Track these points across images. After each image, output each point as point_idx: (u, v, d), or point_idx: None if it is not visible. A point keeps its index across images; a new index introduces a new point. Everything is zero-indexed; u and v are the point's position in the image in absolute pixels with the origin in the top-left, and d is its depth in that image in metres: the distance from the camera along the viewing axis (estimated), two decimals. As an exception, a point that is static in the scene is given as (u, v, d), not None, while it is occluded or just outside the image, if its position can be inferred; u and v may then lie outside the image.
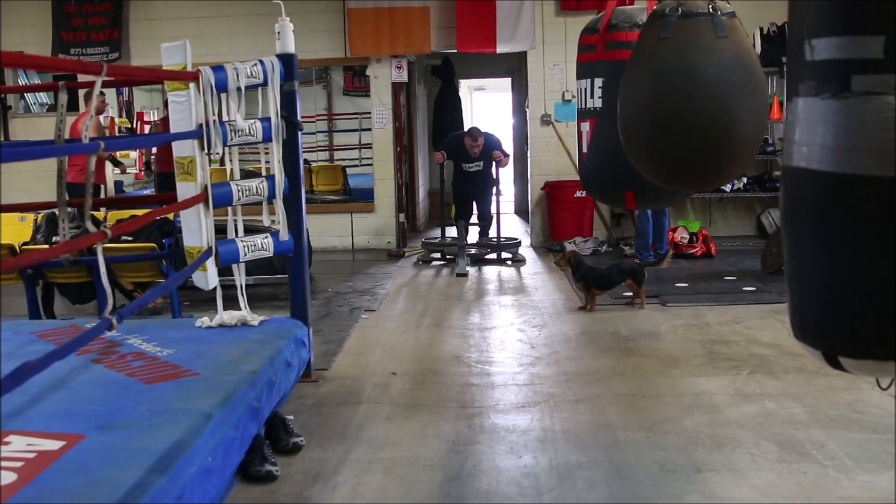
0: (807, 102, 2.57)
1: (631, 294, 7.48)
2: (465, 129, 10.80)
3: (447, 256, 10.41)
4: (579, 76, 6.71)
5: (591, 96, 6.46)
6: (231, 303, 4.86)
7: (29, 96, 12.61)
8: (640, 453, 4.17)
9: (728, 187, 10.64)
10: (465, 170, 10.44)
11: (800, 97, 2.60)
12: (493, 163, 10.24)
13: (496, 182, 10.46)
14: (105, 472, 2.76)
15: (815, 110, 2.52)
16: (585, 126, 6.59)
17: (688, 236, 9.95)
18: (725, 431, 4.41)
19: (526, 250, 11.13)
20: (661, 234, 9.33)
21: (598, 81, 6.39)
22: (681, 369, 5.53)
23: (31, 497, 2.60)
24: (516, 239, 10.62)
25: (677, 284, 8.17)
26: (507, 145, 17.13)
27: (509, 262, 10.19)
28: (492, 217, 10.63)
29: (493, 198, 10.54)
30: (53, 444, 3.00)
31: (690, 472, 3.92)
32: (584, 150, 6.65)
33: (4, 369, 2.58)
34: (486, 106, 20.38)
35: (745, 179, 10.80)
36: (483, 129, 10.40)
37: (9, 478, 2.72)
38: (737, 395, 4.99)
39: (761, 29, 10.68)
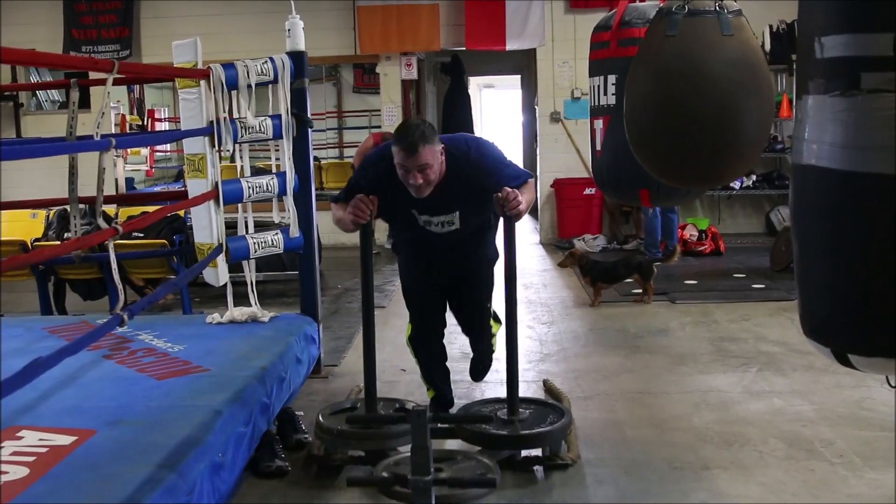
0: (816, 100, 2.57)
1: (640, 291, 7.49)
2: (395, 133, 3.93)
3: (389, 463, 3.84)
4: (592, 73, 6.70)
5: (605, 93, 6.45)
6: (241, 299, 4.88)
7: (41, 94, 12.66)
8: (648, 450, 4.17)
9: (737, 185, 10.64)
10: (423, 230, 4.16)
11: (809, 95, 2.61)
12: (494, 214, 4.17)
13: (493, 255, 4.47)
14: (116, 467, 2.79)
15: (825, 108, 2.53)
16: (599, 123, 6.58)
17: (696, 234, 9.94)
18: (733, 429, 4.41)
19: (535, 248, 11.13)
20: (670, 231, 9.31)
21: (612, 78, 6.38)
22: (689, 366, 5.53)
23: (43, 491, 2.63)
24: (555, 405, 4.34)
25: (686, 282, 8.16)
26: (516, 145, 17.15)
27: (539, 470, 3.98)
28: (491, 344, 4.75)
29: (491, 286, 4.55)
30: (65, 440, 3.02)
31: (698, 470, 3.92)
32: (598, 147, 6.64)
33: (16, 365, 2.60)
34: (495, 103, 20.39)
35: (753, 177, 10.80)
36: (462, 135, 4.24)
37: (21, 472, 2.74)
38: (745, 392, 4.99)
39: (770, 27, 10.66)
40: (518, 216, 3.90)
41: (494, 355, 4.79)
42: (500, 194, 3.82)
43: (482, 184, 3.93)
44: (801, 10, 2.74)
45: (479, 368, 4.80)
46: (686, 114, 4.92)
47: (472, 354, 4.78)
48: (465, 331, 4.71)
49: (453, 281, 4.47)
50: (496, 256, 4.47)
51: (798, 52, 2.78)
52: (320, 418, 4.02)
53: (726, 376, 5.29)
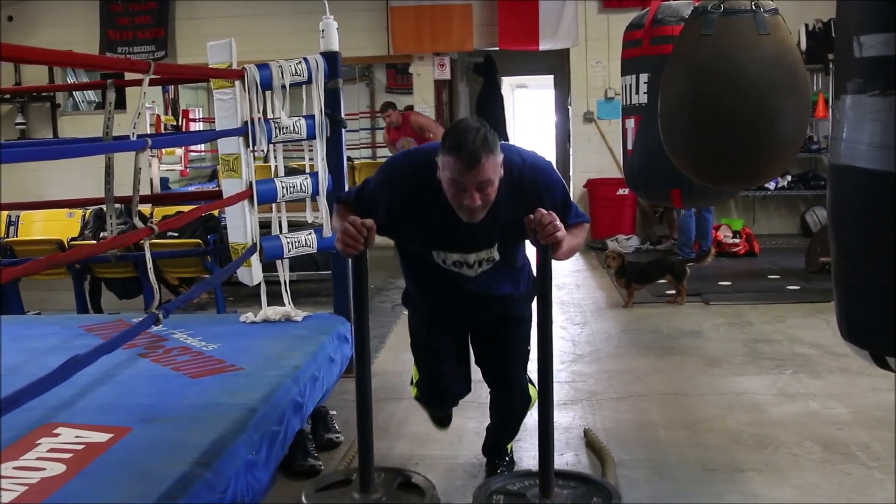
0: (854, 100, 2.55)
1: (673, 292, 7.45)
2: (448, 138, 2.95)
3: None
4: (624, 72, 6.68)
5: (637, 92, 6.42)
6: (275, 299, 4.90)
7: (77, 94, 12.79)
8: (681, 452, 4.15)
9: (772, 185, 10.56)
10: (438, 265, 3.32)
11: (847, 94, 2.58)
12: (529, 245, 3.22)
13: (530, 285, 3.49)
14: (151, 464, 2.80)
15: (863, 108, 2.50)
16: (630, 123, 6.55)
17: (731, 234, 9.88)
18: (768, 431, 4.38)
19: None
20: (705, 231, 9.24)
21: (644, 77, 6.35)
22: (723, 368, 5.49)
23: (80, 488, 2.65)
24: (599, 482, 3.45)
25: (720, 283, 8.11)
26: (549, 146, 17.06)
27: None
28: (526, 399, 3.71)
29: (529, 339, 3.60)
30: (101, 437, 3.04)
31: (732, 472, 3.90)
32: (629, 147, 6.61)
33: (54, 362, 2.64)
34: (528, 103, 20.35)
35: (788, 177, 10.72)
36: (510, 145, 3.24)
37: (58, 469, 2.77)
38: (780, 394, 4.95)
39: (806, 26, 10.57)
40: (555, 248, 2.99)
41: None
42: (533, 216, 2.95)
43: (533, 204, 3.04)
44: (839, 9, 2.71)
45: (502, 435, 3.92)
46: (722, 113, 4.89)
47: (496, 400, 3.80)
48: (492, 381, 3.71)
49: (480, 326, 3.60)
50: (526, 297, 3.54)
51: (836, 52, 2.75)
52: (304, 499, 3.22)
53: (760, 378, 5.25)
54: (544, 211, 2.95)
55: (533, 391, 3.68)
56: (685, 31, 5.31)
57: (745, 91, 4.86)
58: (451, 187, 2.93)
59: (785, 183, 10.74)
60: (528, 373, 3.70)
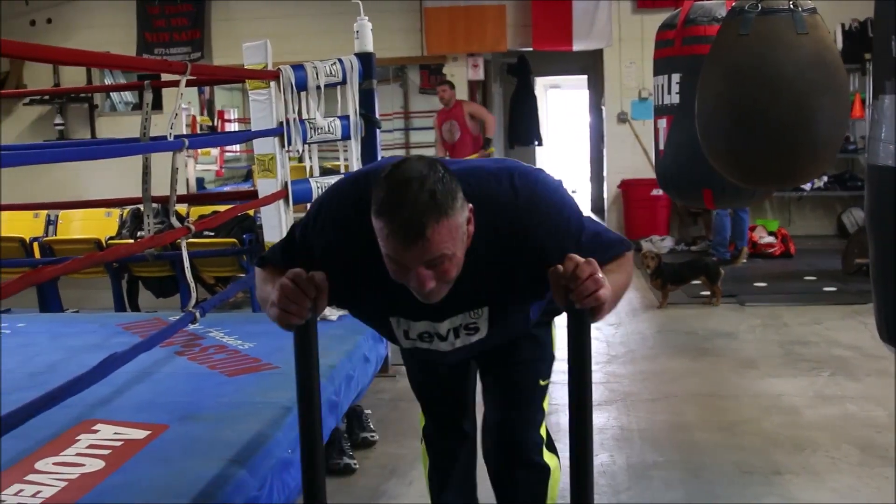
0: (893, 100, 2.53)
1: (708, 293, 7.41)
2: (378, 195, 1.89)
3: None
4: (656, 72, 6.64)
5: (669, 92, 6.39)
6: (309, 298, 4.92)
7: (114, 95, 12.91)
8: (716, 454, 4.13)
9: (808, 186, 10.46)
10: (414, 350, 2.44)
11: (886, 94, 2.56)
12: (550, 306, 2.44)
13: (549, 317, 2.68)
14: (188, 462, 2.83)
15: (902, 108, 2.49)
16: (662, 123, 6.51)
17: (766, 235, 9.80)
18: (804, 434, 4.34)
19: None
20: (741, 231, 9.17)
21: (676, 77, 6.32)
22: (758, 370, 5.46)
23: (118, 484, 2.68)
24: None
25: (755, 284, 8.05)
26: (583, 146, 17.04)
27: None
28: (534, 419, 2.69)
29: (543, 372, 2.72)
30: (139, 434, 3.07)
31: (768, 474, 3.88)
32: (661, 147, 6.57)
33: (93, 360, 2.67)
34: (561, 104, 20.31)
35: (825, 178, 10.61)
36: (505, 166, 2.18)
37: (97, 465, 2.80)
38: (816, 396, 4.91)
39: (843, 25, 10.47)
40: (598, 310, 2.02)
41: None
42: (561, 266, 1.97)
43: (534, 254, 2.11)
44: (877, 9, 2.69)
45: (503, 441, 2.71)
46: (761, 114, 4.85)
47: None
48: (494, 403, 2.74)
49: (483, 362, 2.72)
50: (555, 312, 2.68)
51: (874, 52, 2.73)
52: None
53: (797, 380, 5.22)
54: (579, 259, 1.97)
55: (551, 460, 2.75)
56: (722, 31, 5.27)
57: (784, 91, 4.82)
58: (390, 264, 1.97)
59: (821, 184, 10.64)
60: (543, 432, 2.74)
